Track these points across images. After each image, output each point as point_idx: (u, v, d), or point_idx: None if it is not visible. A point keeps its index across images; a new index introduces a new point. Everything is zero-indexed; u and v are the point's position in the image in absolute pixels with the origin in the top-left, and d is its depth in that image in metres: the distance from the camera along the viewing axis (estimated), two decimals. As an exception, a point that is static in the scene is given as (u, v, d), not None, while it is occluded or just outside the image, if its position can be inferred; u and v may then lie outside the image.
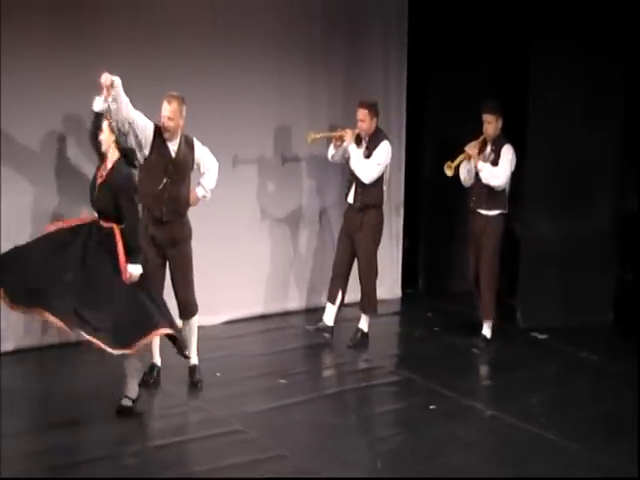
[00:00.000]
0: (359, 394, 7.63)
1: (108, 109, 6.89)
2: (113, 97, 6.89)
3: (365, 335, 8.67)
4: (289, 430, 6.88)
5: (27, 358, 7.95)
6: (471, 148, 8.54)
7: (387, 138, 8.52)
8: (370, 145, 8.41)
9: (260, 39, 9.03)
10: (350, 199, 8.52)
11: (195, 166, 7.57)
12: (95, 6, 8.09)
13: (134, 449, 6.49)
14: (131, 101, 7.07)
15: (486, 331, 8.74)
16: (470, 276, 8.83)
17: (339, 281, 8.66)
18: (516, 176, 8.86)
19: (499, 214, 8.63)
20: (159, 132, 7.30)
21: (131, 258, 6.72)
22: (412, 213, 10.30)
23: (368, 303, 8.66)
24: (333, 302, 8.66)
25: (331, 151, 8.60)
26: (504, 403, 7.36)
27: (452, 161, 8.49)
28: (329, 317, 8.69)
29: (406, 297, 10.27)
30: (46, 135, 8.05)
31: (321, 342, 8.63)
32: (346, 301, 8.77)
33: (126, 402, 6.92)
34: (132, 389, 6.94)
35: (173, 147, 7.36)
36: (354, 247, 8.57)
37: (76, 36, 8.02)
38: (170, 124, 7.26)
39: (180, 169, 7.41)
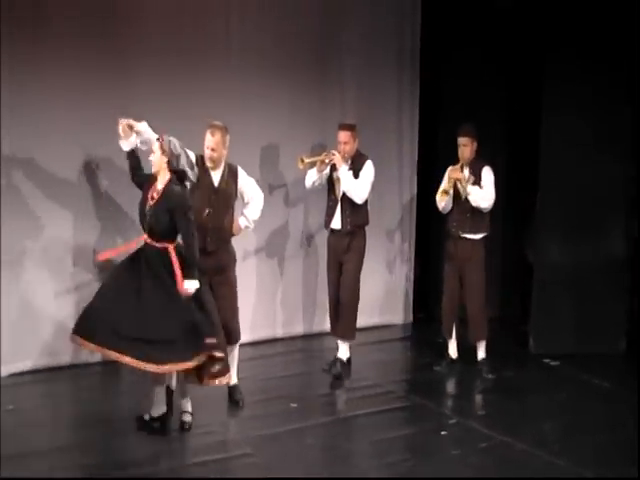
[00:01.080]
0: (370, 419, 7.57)
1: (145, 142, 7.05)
2: (142, 141, 7.06)
3: (347, 362, 8.56)
4: (299, 454, 6.85)
5: (52, 377, 8.02)
6: (456, 172, 8.49)
7: (368, 157, 8.41)
8: (354, 166, 8.31)
9: (274, 64, 9.10)
10: (336, 224, 8.36)
11: (239, 195, 7.59)
12: (124, 43, 8.24)
13: (144, 471, 6.45)
14: (154, 126, 7.18)
15: (482, 354, 8.71)
16: (447, 300, 8.75)
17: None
18: (528, 202, 8.86)
19: (483, 237, 8.61)
20: (202, 161, 7.35)
21: (188, 274, 6.78)
22: (424, 238, 10.30)
23: (348, 328, 8.48)
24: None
25: (312, 177, 8.36)
26: (516, 429, 7.32)
27: (444, 190, 8.48)
28: (339, 350, 8.58)
29: (417, 322, 10.26)
30: (82, 166, 8.18)
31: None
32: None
33: (188, 417, 7.13)
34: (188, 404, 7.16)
35: (216, 176, 7.40)
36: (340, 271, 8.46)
37: (105, 67, 8.18)
38: (213, 155, 7.32)
39: (223, 198, 7.44)
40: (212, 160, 7.34)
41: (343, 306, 8.43)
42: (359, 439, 7.25)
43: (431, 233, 10.28)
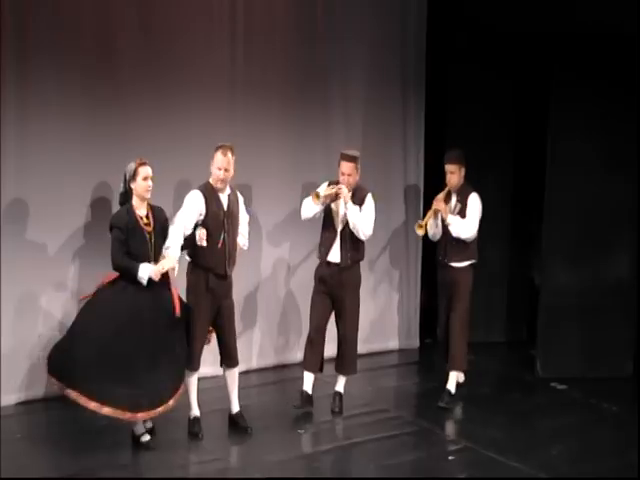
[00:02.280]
0: (378, 444, 7.55)
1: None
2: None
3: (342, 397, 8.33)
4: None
5: (57, 406, 7.90)
6: (438, 203, 8.39)
7: (369, 191, 8.13)
8: (355, 200, 7.97)
9: (278, 97, 9.13)
10: (335, 258, 8.01)
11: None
12: (128, 75, 8.27)
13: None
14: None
15: (451, 385, 8.49)
16: (441, 328, 8.63)
17: (319, 347, 8.17)
18: (534, 225, 8.83)
19: (470, 264, 8.48)
20: (208, 191, 7.31)
21: None
22: (430, 264, 10.29)
23: (350, 363, 8.24)
24: (314, 370, 8.20)
25: (314, 209, 7.96)
26: (524, 454, 7.30)
27: (419, 224, 8.43)
28: (309, 385, 8.22)
29: (424, 347, 10.25)
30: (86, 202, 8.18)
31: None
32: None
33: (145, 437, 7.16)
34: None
35: (224, 200, 7.39)
36: (333, 306, 8.15)
37: (107, 99, 8.19)
38: (227, 175, 7.33)
39: (234, 220, 7.47)
40: (224, 181, 7.34)
41: (346, 343, 8.18)
42: (367, 464, 7.20)
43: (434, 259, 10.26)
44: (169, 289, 7.12)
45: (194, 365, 7.38)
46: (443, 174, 9.41)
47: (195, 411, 7.52)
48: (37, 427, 7.64)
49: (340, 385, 8.29)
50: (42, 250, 7.98)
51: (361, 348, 8.65)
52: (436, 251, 8.65)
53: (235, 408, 7.69)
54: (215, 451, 7.27)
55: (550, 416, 8.24)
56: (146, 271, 6.88)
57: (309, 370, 8.19)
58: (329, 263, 8.06)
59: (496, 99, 10.19)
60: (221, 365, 7.64)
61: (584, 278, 9.17)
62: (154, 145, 8.11)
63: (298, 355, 9.30)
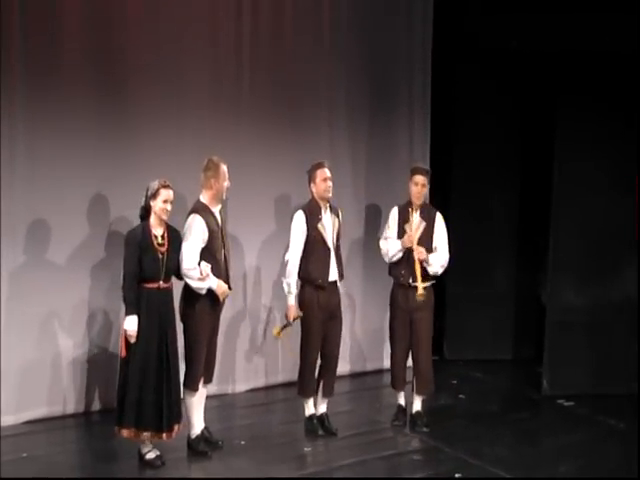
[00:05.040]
0: (384, 462, 7.53)
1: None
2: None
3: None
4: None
5: (63, 425, 8.03)
6: (420, 252, 7.91)
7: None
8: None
9: (284, 110, 9.16)
10: (334, 276, 7.81)
11: None
12: (134, 84, 8.31)
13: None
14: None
15: (418, 405, 8.30)
16: (400, 351, 8.23)
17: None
18: (541, 244, 8.84)
19: (431, 285, 8.19)
20: (206, 213, 7.23)
21: None
22: (437, 281, 10.27)
23: (333, 386, 8.06)
24: (317, 394, 8.08)
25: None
26: (531, 471, 7.28)
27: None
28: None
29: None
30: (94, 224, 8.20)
31: (344, 410, 8.56)
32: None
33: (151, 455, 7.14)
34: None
35: (217, 214, 7.34)
36: (327, 326, 7.89)
37: (113, 110, 8.22)
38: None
39: (226, 233, 7.44)
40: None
41: (334, 361, 8.01)
42: (374, 482, 7.20)
43: (445, 279, 10.18)
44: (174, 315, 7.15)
45: (196, 385, 7.35)
46: (450, 190, 9.44)
47: (199, 429, 7.50)
48: (43, 446, 7.60)
49: (324, 407, 8.09)
50: (48, 264, 7.97)
51: (366, 366, 8.63)
52: (398, 272, 8.13)
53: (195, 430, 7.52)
54: (221, 468, 7.23)
55: (557, 433, 8.21)
56: (132, 324, 6.87)
57: (312, 396, 8.03)
58: (329, 283, 7.82)
59: (502, 116, 10.22)
60: (205, 382, 7.55)
61: (591, 296, 9.17)
62: (159, 159, 8.20)
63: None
